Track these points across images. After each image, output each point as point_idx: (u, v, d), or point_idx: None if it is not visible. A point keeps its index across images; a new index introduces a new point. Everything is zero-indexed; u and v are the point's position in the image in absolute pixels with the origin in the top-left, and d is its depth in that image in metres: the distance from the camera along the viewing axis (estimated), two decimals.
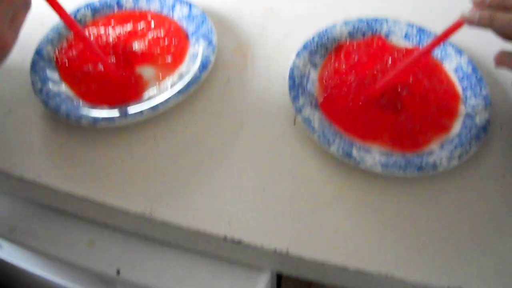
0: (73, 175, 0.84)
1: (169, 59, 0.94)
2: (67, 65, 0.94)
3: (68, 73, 0.93)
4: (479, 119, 0.84)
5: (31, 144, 0.88)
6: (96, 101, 0.89)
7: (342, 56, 0.93)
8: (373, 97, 0.87)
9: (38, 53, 0.95)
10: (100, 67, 0.92)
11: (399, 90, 0.88)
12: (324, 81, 0.90)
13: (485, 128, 0.83)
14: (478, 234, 0.76)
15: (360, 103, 0.86)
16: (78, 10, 1.02)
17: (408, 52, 0.93)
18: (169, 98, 0.86)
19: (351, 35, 0.96)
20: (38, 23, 1.02)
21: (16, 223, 0.93)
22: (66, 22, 0.85)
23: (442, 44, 0.87)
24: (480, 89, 0.88)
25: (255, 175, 0.82)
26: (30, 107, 0.93)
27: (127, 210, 0.80)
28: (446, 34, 0.79)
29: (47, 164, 0.86)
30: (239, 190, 0.81)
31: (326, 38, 0.95)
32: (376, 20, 0.97)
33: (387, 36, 0.96)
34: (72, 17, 0.99)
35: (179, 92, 0.86)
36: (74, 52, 0.95)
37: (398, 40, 0.96)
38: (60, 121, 0.89)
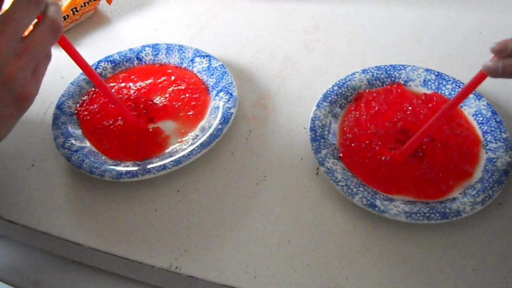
0: (97, 230, 0.84)
1: (190, 112, 0.94)
2: (88, 119, 0.95)
3: (90, 128, 0.94)
4: (500, 163, 0.83)
5: (55, 199, 0.88)
6: (119, 156, 0.90)
7: (362, 105, 0.93)
8: (402, 158, 0.86)
9: (59, 107, 0.95)
10: (121, 121, 0.92)
11: None
12: (345, 131, 0.90)
13: (506, 171, 0.82)
14: (504, 279, 0.75)
15: (383, 157, 0.86)
16: (98, 64, 1.03)
17: (428, 97, 0.93)
18: (192, 152, 0.86)
19: (370, 83, 0.96)
20: (58, 77, 1.03)
21: (41, 276, 0.93)
22: (87, 73, 0.85)
23: (450, 80, 0.88)
24: (500, 133, 0.87)
25: (280, 227, 0.81)
26: (53, 161, 0.93)
27: (152, 265, 0.79)
28: (470, 88, 0.78)
29: (71, 219, 0.86)
30: (264, 243, 0.80)
31: (345, 87, 0.95)
32: (394, 67, 0.97)
33: (405, 83, 0.96)
34: (95, 68, 1.00)
35: (202, 145, 0.87)
36: (95, 107, 0.96)
37: (417, 87, 0.96)
38: (83, 175, 0.89)
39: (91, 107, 0.96)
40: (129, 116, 0.92)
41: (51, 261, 0.93)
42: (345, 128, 0.91)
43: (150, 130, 0.92)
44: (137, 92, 0.98)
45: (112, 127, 0.93)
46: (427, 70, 0.96)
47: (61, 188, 0.90)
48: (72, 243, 0.83)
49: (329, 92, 0.94)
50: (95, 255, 0.83)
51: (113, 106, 0.94)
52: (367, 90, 0.95)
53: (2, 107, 0.65)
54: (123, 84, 1.00)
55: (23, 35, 0.65)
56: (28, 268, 0.94)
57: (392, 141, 0.88)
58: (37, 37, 0.66)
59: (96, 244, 0.82)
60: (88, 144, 0.92)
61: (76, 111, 0.96)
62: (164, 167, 0.85)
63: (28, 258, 0.95)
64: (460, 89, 0.85)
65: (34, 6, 0.65)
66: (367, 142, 0.88)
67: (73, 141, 0.90)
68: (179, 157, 0.86)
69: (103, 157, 0.89)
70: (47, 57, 0.70)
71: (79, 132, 0.93)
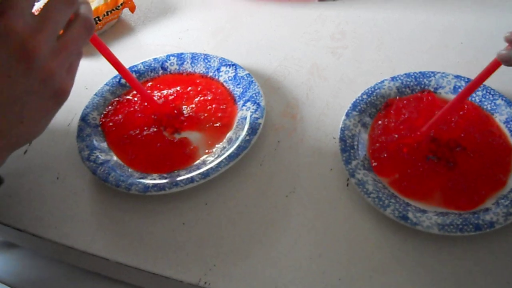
0: (124, 244, 0.83)
1: (217, 124, 0.93)
2: (113, 130, 0.94)
3: (115, 139, 0.93)
4: None
5: (80, 213, 0.87)
6: (145, 168, 0.89)
7: (392, 114, 0.91)
8: (422, 140, 0.86)
9: (84, 119, 0.94)
10: (147, 131, 0.92)
11: (451, 146, 0.85)
12: (375, 141, 0.88)
13: None
14: None
15: (419, 164, 0.85)
16: None
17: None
18: (219, 164, 0.85)
19: (399, 91, 0.94)
20: (82, 88, 1.02)
21: None
22: (120, 71, 0.87)
23: (481, 87, 0.87)
24: None
25: (310, 240, 0.80)
26: (78, 174, 0.92)
27: (180, 280, 0.78)
28: (485, 75, 0.78)
29: (97, 233, 0.85)
30: (294, 257, 0.78)
31: (374, 95, 0.93)
32: (423, 74, 0.95)
33: (435, 90, 0.94)
34: (117, 80, 0.99)
35: (229, 157, 0.85)
36: (120, 117, 0.95)
37: (447, 94, 0.94)
38: (109, 188, 0.88)
39: (116, 117, 0.96)
40: (163, 113, 0.93)
41: (78, 275, 0.93)
42: (375, 138, 0.89)
43: (176, 141, 0.91)
44: (162, 102, 0.97)
45: (138, 137, 0.92)
46: (456, 76, 0.95)
47: (87, 201, 0.89)
48: (98, 257, 0.82)
49: (358, 100, 0.92)
50: (121, 270, 0.82)
51: (147, 105, 0.95)
52: (397, 98, 0.93)
53: (41, 103, 0.67)
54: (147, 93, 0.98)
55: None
56: (54, 282, 0.93)
57: (425, 150, 0.86)
58: (72, 35, 0.68)
59: (122, 259, 0.81)
60: (113, 156, 0.91)
61: (100, 123, 0.95)
62: (191, 180, 0.83)
63: (54, 272, 0.94)
64: (489, 94, 0.84)
65: (69, 6, 0.67)
66: (398, 150, 0.86)
67: (98, 154, 0.89)
68: (207, 170, 0.84)
69: (129, 170, 0.88)
70: (80, 54, 0.72)
71: (104, 144, 0.92)
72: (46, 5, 0.66)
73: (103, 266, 0.84)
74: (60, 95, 0.69)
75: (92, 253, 0.83)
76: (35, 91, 0.66)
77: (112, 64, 0.85)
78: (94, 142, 0.92)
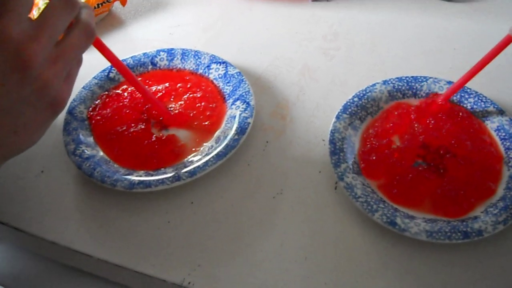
0: (108, 242, 0.81)
1: (206, 121, 0.92)
2: (100, 124, 0.93)
3: (102, 133, 0.92)
4: None
5: (64, 208, 0.86)
6: (131, 164, 0.88)
7: (382, 118, 0.91)
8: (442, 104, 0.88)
9: (70, 112, 0.93)
10: (135, 128, 0.91)
11: (441, 152, 0.85)
12: (365, 145, 0.87)
13: None
14: None
15: (408, 169, 0.84)
16: (111, 68, 1.01)
17: (451, 111, 0.91)
18: (207, 163, 0.84)
19: (391, 95, 0.93)
20: None
21: (48, 286, 0.92)
22: (122, 72, 0.85)
23: (473, 94, 0.90)
24: None
25: (297, 243, 0.79)
26: (63, 169, 0.91)
27: (164, 279, 0.77)
28: (495, 52, 0.79)
29: (80, 229, 0.84)
30: (281, 259, 0.78)
31: (365, 98, 0.92)
32: (415, 79, 0.95)
33: (427, 95, 0.93)
34: (106, 73, 0.99)
35: (217, 156, 0.84)
36: (108, 111, 0.94)
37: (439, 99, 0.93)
38: (94, 184, 0.86)
39: (104, 112, 0.94)
40: (163, 109, 0.93)
41: (59, 271, 0.91)
42: (365, 142, 0.88)
43: (164, 138, 0.90)
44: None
45: (125, 132, 0.91)
46: (449, 82, 0.94)
47: (71, 196, 0.88)
48: (81, 253, 0.81)
49: (349, 103, 0.91)
50: (104, 267, 0.81)
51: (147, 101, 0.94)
52: (388, 102, 0.93)
53: (36, 113, 0.65)
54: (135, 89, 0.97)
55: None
56: (35, 277, 0.92)
57: (414, 155, 0.86)
58: (71, 42, 0.66)
59: (106, 256, 0.80)
60: (100, 151, 0.89)
61: (88, 116, 0.93)
62: (178, 178, 0.82)
63: (35, 267, 0.93)
64: (480, 102, 0.85)
65: (69, 12, 0.65)
66: (387, 154, 0.86)
67: (84, 148, 0.88)
68: (194, 168, 0.83)
69: (115, 166, 0.87)
70: (79, 61, 0.70)
71: (90, 138, 0.91)
72: (44, 10, 0.64)
73: (86, 262, 0.83)
74: (57, 105, 0.67)
75: (75, 249, 0.81)
76: (30, 101, 0.64)
77: (114, 65, 0.84)
78: (81, 136, 0.90)
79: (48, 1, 0.65)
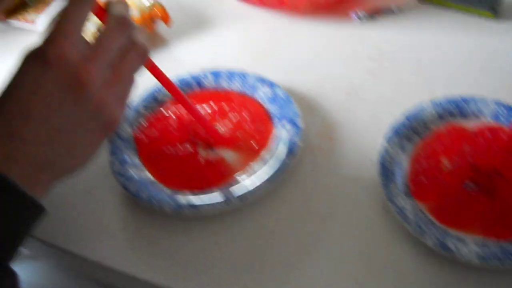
0: (154, 264, 0.81)
1: (253, 142, 0.91)
2: (146, 145, 0.93)
3: (148, 154, 0.92)
4: None
5: (110, 229, 0.86)
6: (178, 185, 0.87)
7: (431, 139, 0.90)
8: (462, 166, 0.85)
9: (116, 132, 0.92)
10: (182, 148, 0.91)
11: (491, 174, 0.84)
12: (415, 166, 0.86)
13: None
14: None
15: (458, 191, 0.83)
16: (156, 88, 1.00)
17: (500, 131, 0.90)
18: (258, 186, 0.83)
19: (439, 115, 0.92)
20: None
21: None
22: (167, 87, 0.84)
23: None
24: None
25: (346, 266, 0.78)
26: (109, 189, 0.91)
27: None
28: None
29: (126, 250, 0.84)
30: (330, 283, 0.77)
31: (414, 119, 0.91)
32: (463, 99, 0.93)
33: (476, 116, 0.92)
34: (151, 94, 0.99)
35: (268, 180, 0.84)
36: (154, 132, 0.94)
37: (488, 120, 0.92)
38: (140, 205, 0.86)
39: (150, 132, 0.94)
40: (217, 136, 0.92)
41: None
42: (414, 163, 0.87)
43: (211, 159, 0.89)
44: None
45: (172, 153, 0.91)
46: (497, 102, 0.92)
47: (117, 217, 0.88)
48: (127, 275, 0.81)
49: (398, 124, 0.90)
50: None
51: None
52: (437, 123, 0.91)
53: (90, 134, 0.66)
54: (181, 109, 0.97)
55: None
56: None
57: (464, 177, 0.84)
58: (126, 63, 0.67)
59: (152, 278, 0.80)
60: (146, 172, 0.89)
61: (133, 137, 0.93)
62: (226, 200, 0.82)
63: (74, 286, 0.92)
64: None
65: (124, 33, 0.66)
66: (438, 176, 0.85)
67: (130, 169, 0.88)
68: (243, 190, 0.83)
69: (162, 187, 0.87)
70: (132, 82, 0.70)
71: (136, 159, 0.91)
72: (100, 32, 0.65)
73: (131, 284, 0.82)
74: (110, 126, 0.67)
75: (120, 271, 0.81)
76: (85, 122, 0.64)
77: (163, 84, 0.83)
78: (126, 156, 0.90)
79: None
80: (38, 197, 0.63)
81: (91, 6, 0.66)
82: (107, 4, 0.69)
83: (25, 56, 0.63)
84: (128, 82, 0.69)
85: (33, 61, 0.62)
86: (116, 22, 0.66)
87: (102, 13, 0.69)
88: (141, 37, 0.70)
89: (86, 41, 0.64)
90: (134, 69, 0.69)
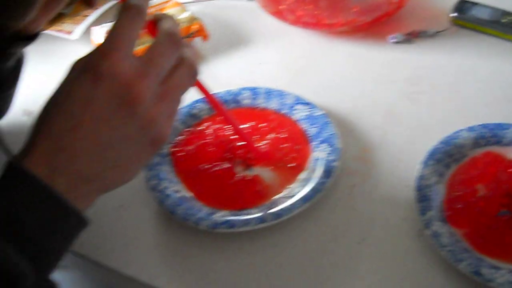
0: (188, 280, 0.81)
1: (290, 163, 0.91)
2: (183, 161, 0.93)
3: (184, 171, 0.92)
4: None
5: (144, 243, 0.86)
6: (214, 203, 0.87)
7: (467, 165, 0.89)
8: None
9: None
10: (219, 166, 0.91)
11: None
12: (450, 192, 0.86)
13: None
14: None
15: (493, 219, 0.82)
16: (193, 104, 1.01)
17: None
18: (293, 205, 0.83)
19: (475, 142, 0.92)
20: None
21: None
22: (211, 101, 0.85)
23: None
24: None
25: None
26: (143, 203, 0.91)
27: None
28: None
29: (160, 265, 0.84)
30: None
31: (451, 145, 0.90)
32: (499, 126, 0.93)
33: (511, 143, 0.92)
34: (188, 110, 1.00)
35: (303, 199, 0.83)
36: (191, 148, 0.94)
37: None
38: (175, 221, 0.86)
39: (187, 148, 0.94)
40: (257, 153, 0.93)
41: None
42: (451, 189, 0.86)
43: (248, 178, 0.89)
44: (234, 136, 0.95)
45: (209, 171, 0.91)
46: None
47: (151, 232, 0.88)
48: None
49: (435, 149, 0.90)
50: None
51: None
52: (473, 150, 0.91)
53: (138, 149, 0.65)
54: (219, 126, 0.98)
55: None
56: None
57: (497, 204, 0.84)
58: (176, 81, 0.67)
59: None
60: (182, 188, 0.89)
61: (170, 152, 0.93)
62: (263, 219, 0.82)
63: None
64: None
65: (175, 50, 0.66)
66: (474, 203, 0.84)
67: (166, 184, 0.88)
68: (280, 210, 0.83)
69: (198, 204, 0.87)
70: (180, 100, 0.70)
71: (172, 175, 0.91)
72: (151, 48, 0.65)
73: None
74: (158, 142, 0.67)
75: (154, 286, 0.81)
76: (133, 138, 0.64)
77: (207, 97, 0.84)
78: (163, 171, 0.90)
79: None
80: (81, 210, 0.63)
81: (143, 21, 0.66)
82: (157, 19, 0.70)
83: (73, 67, 0.64)
84: (177, 99, 0.69)
85: (85, 73, 0.62)
86: (166, 37, 0.66)
87: (152, 28, 0.70)
88: (191, 55, 0.69)
89: (136, 56, 0.64)
90: (185, 87, 0.69)
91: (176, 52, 0.67)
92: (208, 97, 0.83)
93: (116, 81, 0.61)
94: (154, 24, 0.69)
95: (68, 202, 0.61)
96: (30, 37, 0.86)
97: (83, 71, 0.62)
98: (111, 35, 0.63)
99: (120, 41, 0.62)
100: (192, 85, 0.71)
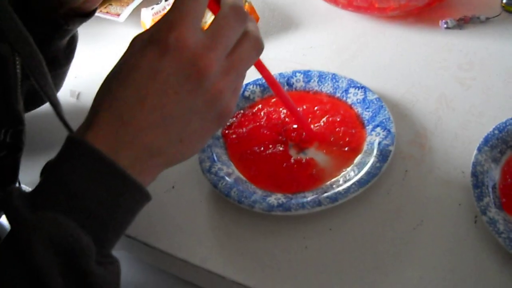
0: (241, 263, 0.81)
1: (345, 147, 0.91)
2: (236, 143, 0.93)
3: (237, 154, 0.92)
4: None
5: (196, 226, 0.86)
6: (268, 186, 0.87)
7: None
8: None
9: None
10: (273, 149, 0.91)
11: None
12: (505, 179, 0.85)
13: None
14: None
15: None
16: (246, 86, 1.01)
17: None
18: (348, 189, 0.82)
19: None
20: None
21: None
22: (269, 82, 0.85)
23: None
24: None
25: (435, 277, 0.77)
26: (195, 186, 0.91)
27: None
28: None
29: (213, 248, 0.83)
30: None
31: (506, 131, 0.89)
32: None
33: None
34: (241, 92, 0.99)
35: (359, 183, 0.83)
36: (244, 130, 0.94)
37: None
38: (228, 203, 0.86)
39: (239, 130, 0.94)
40: (311, 133, 0.92)
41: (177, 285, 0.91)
42: (505, 175, 0.85)
43: (303, 161, 0.89)
44: (287, 118, 0.95)
45: (262, 154, 0.90)
46: None
47: (203, 215, 0.88)
48: (214, 274, 0.81)
49: (489, 135, 0.89)
50: None
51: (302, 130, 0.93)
52: None
53: (203, 123, 0.65)
54: (272, 109, 0.97)
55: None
56: None
57: None
58: (242, 54, 0.66)
59: (240, 278, 0.79)
60: (235, 170, 0.89)
61: (223, 134, 0.93)
62: (319, 203, 0.81)
63: (162, 285, 0.92)
64: None
65: (240, 23, 0.65)
66: None
67: (220, 166, 0.88)
68: (335, 194, 0.82)
69: (252, 186, 0.87)
70: (244, 75, 0.70)
71: (225, 157, 0.91)
72: (217, 20, 0.64)
73: (217, 283, 0.82)
74: (224, 116, 0.67)
75: (207, 269, 0.81)
76: (200, 111, 0.64)
77: (265, 78, 0.84)
78: (215, 154, 0.90)
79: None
80: (144, 184, 0.63)
81: None
82: None
83: (134, 41, 0.64)
84: (242, 74, 0.68)
85: (151, 45, 0.61)
86: (231, 11, 0.65)
87: (213, 3, 0.69)
88: (255, 28, 0.69)
89: (202, 28, 0.64)
90: (250, 61, 0.69)
91: (242, 25, 0.66)
92: (266, 75, 0.83)
93: (183, 53, 0.61)
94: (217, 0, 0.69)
95: (132, 177, 0.60)
96: (86, 14, 0.86)
97: (149, 43, 0.62)
98: (177, 7, 0.62)
99: (187, 13, 0.61)
100: (257, 58, 0.71)
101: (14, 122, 0.79)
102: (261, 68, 0.81)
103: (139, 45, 0.63)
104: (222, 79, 0.64)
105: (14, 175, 0.80)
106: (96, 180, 0.59)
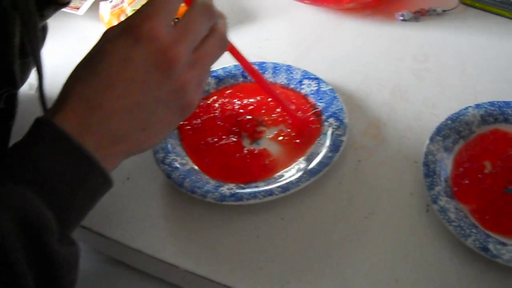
0: (195, 253, 0.81)
1: (298, 137, 0.91)
2: (190, 134, 0.93)
3: (191, 144, 0.92)
4: None
5: (150, 216, 0.86)
6: (221, 176, 0.87)
7: (475, 142, 0.90)
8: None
9: None
10: (226, 140, 0.91)
11: None
12: (458, 169, 0.86)
13: None
14: None
15: (500, 195, 0.82)
16: None
17: None
18: (300, 179, 0.83)
19: (483, 119, 0.92)
20: None
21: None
22: (249, 71, 0.87)
23: None
24: None
25: (387, 265, 0.78)
26: (150, 176, 0.91)
27: None
28: None
29: (167, 239, 0.84)
30: (370, 281, 0.76)
31: (458, 121, 0.90)
32: (507, 104, 0.93)
33: None
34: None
35: (310, 173, 0.83)
36: (198, 122, 0.94)
37: None
38: (182, 194, 0.86)
39: (194, 121, 0.94)
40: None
41: (142, 280, 0.90)
42: (458, 165, 0.87)
43: (256, 151, 0.89)
44: (242, 110, 0.95)
45: (216, 144, 0.91)
46: None
47: (158, 205, 0.88)
48: (167, 263, 0.81)
49: (442, 125, 0.90)
50: (191, 279, 0.80)
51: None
52: (480, 126, 0.91)
53: (167, 114, 0.67)
54: (227, 100, 0.98)
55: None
56: (117, 285, 0.91)
57: (504, 181, 0.84)
58: (207, 49, 0.68)
59: (193, 267, 0.80)
60: (189, 161, 0.89)
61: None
62: (270, 192, 0.82)
63: (117, 274, 0.92)
64: None
65: (208, 19, 0.67)
66: (481, 178, 0.84)
67: (174, 157, 0.88)
68: (287, 184, 0.83)
69: (205, 177, 0.87)
70: (209, 70, 0.72)
71: (179, 148, 0.91)
72: (186, 16, 0.66)
73: (171, 273, 0.83)
74: (187, 109, 0.68)
75: (160, 259, 0.81)
76: (165, 101, 0.65)
77: (245, 68, 0.86)
78: (169, 145, 0.90)
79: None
80: (108, 170, 0.64)
81: None
82: None
83: (106, 33, 0.65)
84: (207, 68, 0.70)
85: (124, 34, 0.63)
86: (202, 6, 0.67)
87: None
88: (222, 26, 0.71)
89: (171, 24, 0.65)
90: (215, 56, 0.71)
91: (210, 21, 0.68)
92: (245, 64, 0.85)
93: (154, 44, 0.62)
94: None
95: (97, 160, 0.62)
96: (62, 4, 0.89)
97: (123, 31, 0.63)
98: (154, 1, 0.64)
99: (162, 8, 0.63)
100: (221, 54, 0.72)
101: (10, 83, 0.80)
102: (235, 54, 0.83)
103: (112, 34, 0.64)
104: (188, 72, 0.66)
105: (4, 146, 0.80)
106: (62, 161, 0.60)
